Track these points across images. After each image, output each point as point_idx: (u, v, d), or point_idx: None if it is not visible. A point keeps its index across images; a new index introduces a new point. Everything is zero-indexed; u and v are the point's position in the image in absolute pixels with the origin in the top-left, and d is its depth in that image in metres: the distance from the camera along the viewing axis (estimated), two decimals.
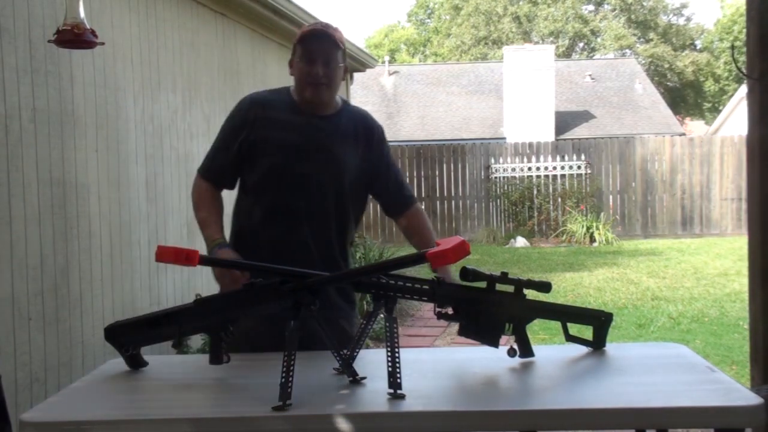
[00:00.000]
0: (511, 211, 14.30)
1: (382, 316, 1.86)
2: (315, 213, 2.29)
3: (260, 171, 2.29)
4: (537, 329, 5.47)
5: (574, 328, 2.10)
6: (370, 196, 2.48)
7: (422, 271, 2.31)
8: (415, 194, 15.08)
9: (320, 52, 2.24)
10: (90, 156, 3.77)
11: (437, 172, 14.52)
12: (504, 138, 18.91)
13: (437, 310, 1.94)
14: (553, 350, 2.26)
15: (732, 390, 1.70)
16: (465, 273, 1.88)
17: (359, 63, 9.70)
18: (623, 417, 1.63)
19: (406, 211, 2.47)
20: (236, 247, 2.28)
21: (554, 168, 14.27)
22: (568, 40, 35.13)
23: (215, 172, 2.36)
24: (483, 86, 23.46)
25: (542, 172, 14.30)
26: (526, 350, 2.00)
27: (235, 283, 2.08)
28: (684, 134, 19.20)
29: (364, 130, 2.38)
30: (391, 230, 14.40)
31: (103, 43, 2.99)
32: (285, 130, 2.29)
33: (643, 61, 31.85)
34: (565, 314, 2.08)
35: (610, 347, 2.11)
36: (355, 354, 1.89)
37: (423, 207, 13.70)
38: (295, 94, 2.33)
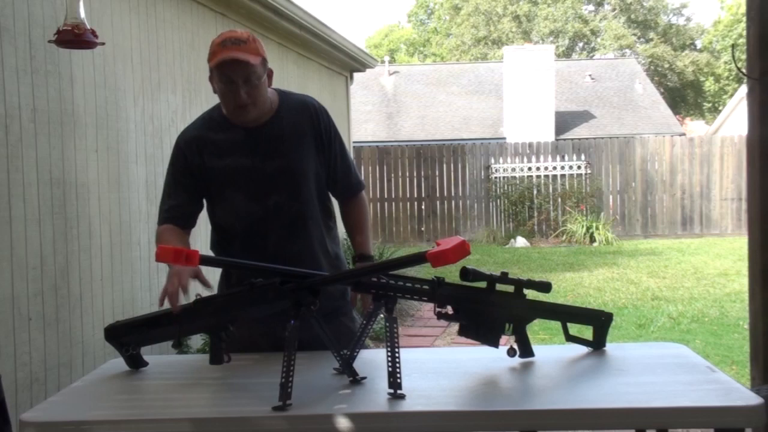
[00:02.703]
0: (511, 211, 14.30)
1: (382, 316, 1.86)
2: (288, 222, 2.24)
3: (221, 203, 2.26)
4: (537, 329, 5.47)
5: (574, 328, 2.10)
6: None
7: (423, 271, 2.31)
8: (416, 194, 14.90)
9: (237, 75, 2.12)
10: (90, 156, 3.76)
11: (437, 172, 14.50)
12: (504, 138, 18.89)
13: (437, 310, 1.94)
14: (553, 350, 2.26)
15: (732, 390, 1.71)
16: (465, 273, 1.88)
17: (359, 63, 9.69)
18: (623, 417, 1.64)
19: (350, 198, 2.42)
20: (228, 284, 2.28)
21: (554, 168, 14.27)
22: (568, 40, 35.12)
23: (174, 212, 2.27)
24: (483, 86, 23.45)
25: (542, 172, 14.29)
26: (526, 350, 2.00)
27: (172, 304, 1.96)
28: (684, 134, 19.18)
29: (309, 120, 2.29)
30: (391, 230, 14.42)
31: (103, 43, 2.99)
32: (231, 155, 2.22)
33: (643, 61, 31.84)
34: (565, 314, 2.08)
35: (610, 347, 2.11)
36: (355, 354, 1.90)
37: (424, 206, 13.41)
38: (227, 115, 2.25)
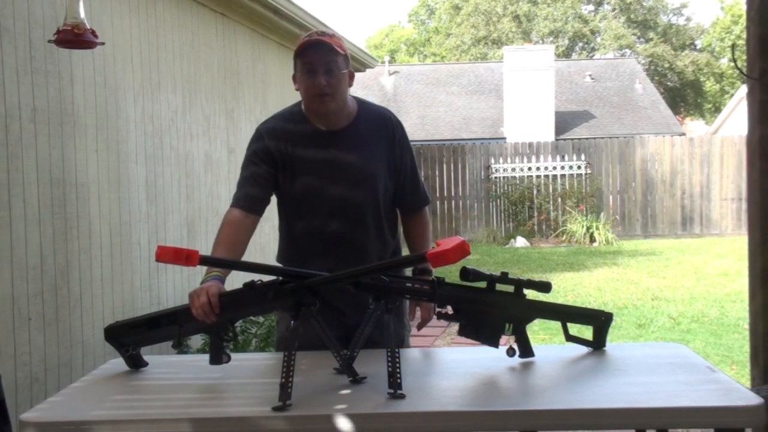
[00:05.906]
0: (511, 211, 14.30)
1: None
2: (355, 234, 2.27)
3: (296, 206, 2.29)
4: (537, 329, 5.47)
5: (574, 328, 2.10)
6: None
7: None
8: None
9: (319, 61, 2.16)
10: (90, 156, 3.76)
11: (437, 172, 14.52)
12: (504, 138, 18.91)
13: (437, 310, 1.94)
14: (553, 350, 2.26)
15: (732, 390, 1.71)
16: (465, 273, 1.88)
17: (359, 63, 9.69)
18: (623, 417, 1.64)
19: (414, 212, 2.45)
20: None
21: (554, 168, 14.27)
22: (567, 40, 35.12)
23: (248, 199, 2.25)
24: (483, 86, 23.45)
25: (542, 172, 14.30)
26: (526, 350, 2.00)
27: (206, 313, 1.90)
28: (684, 134, 19.19)
29: (385, 132, 2.33)
30: None
31: (103, 43, 2.99)
32: (311, 161, 2.25)
33: (643, 61, 31.84)
34: (565, 314, 2.08)
35: (610, 347, 2.11)
36: (355, 354, 1.90)
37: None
38: (306, 111, 2.28)
